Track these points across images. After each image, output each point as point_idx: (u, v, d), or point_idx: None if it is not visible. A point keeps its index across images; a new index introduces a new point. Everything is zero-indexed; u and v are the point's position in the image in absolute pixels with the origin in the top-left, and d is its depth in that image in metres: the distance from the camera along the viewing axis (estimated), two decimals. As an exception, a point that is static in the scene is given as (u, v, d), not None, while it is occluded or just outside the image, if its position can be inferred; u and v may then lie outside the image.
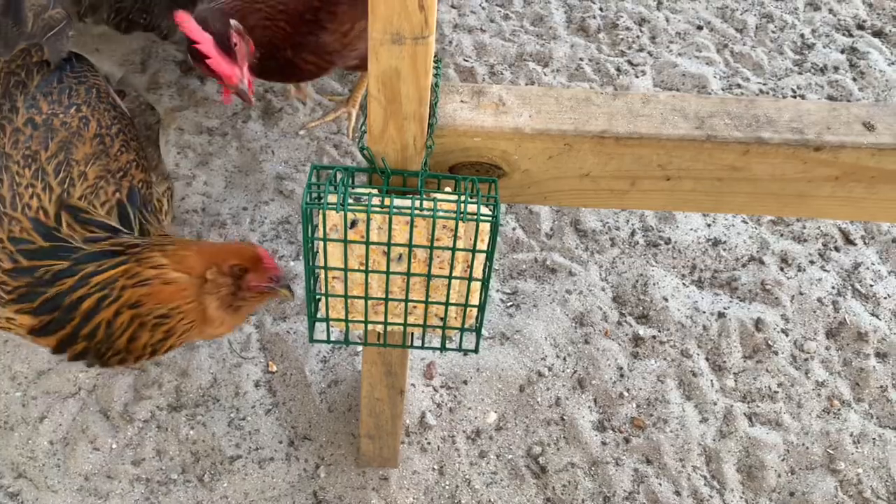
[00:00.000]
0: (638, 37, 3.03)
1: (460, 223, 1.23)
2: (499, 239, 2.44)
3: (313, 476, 1.98)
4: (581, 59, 2.95)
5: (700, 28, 3.10)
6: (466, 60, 2.94)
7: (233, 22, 1.68)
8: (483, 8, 3.14)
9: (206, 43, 1.66)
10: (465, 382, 2.14)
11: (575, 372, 2.18)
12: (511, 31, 3.05)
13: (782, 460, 2.06)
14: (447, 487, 1.98)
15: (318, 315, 1.39)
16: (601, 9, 3.11)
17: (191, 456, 2.00)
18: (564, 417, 2.10)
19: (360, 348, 2.19)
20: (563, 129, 1.31)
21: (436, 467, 2.01)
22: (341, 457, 2.01)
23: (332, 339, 1.43)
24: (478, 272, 1.31)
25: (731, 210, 1.52)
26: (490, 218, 1.23)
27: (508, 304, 2.31)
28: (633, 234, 2.47)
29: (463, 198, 1.24)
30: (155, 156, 2.01)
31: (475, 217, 1.22)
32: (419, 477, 1.98)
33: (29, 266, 1.56)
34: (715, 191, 1.44)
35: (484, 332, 2.21)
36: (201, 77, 2.76)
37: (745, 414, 2.14)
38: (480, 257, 1.28)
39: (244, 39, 1.73)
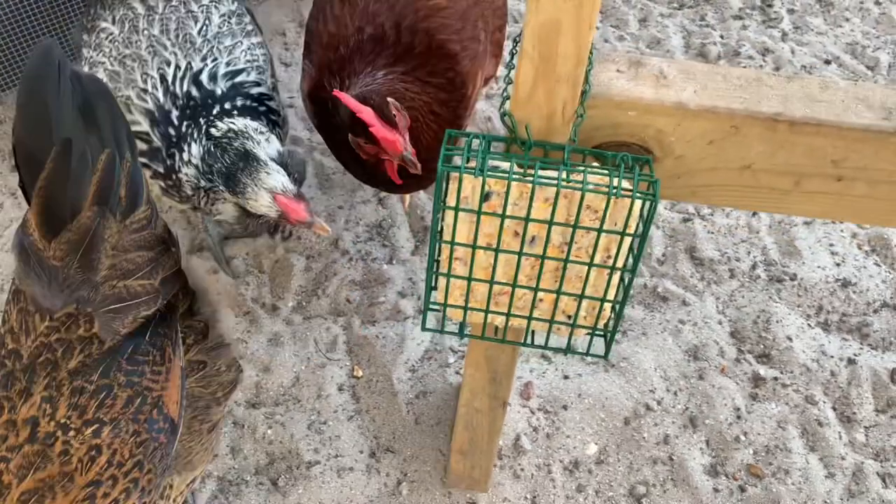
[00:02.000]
0: (761, 66, 2.85)
1: (611, 201, 1.08)
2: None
3: (394, 492, 1.82)
4: (699, 85, 2.79)
5: (828, 62, 2.91)
6: (577, 79, 2.82)
7: (390, 99, 1.69)
8: (597, 27, 3.02)
9: (367, 113, 1.65)
10: (565, 408, 1.96)
11: (687, 409, 1.98)
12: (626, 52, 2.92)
13: (922, 531, 1.81)
14: (539, 520, 1.79)
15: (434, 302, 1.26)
16: (722, 36, 2.95)
17: (266, 457, 1.87)
18: (673, 457, 1.90)
19: (451, 360, 2.04)
20: (733, 107, 1.16)
21: (528, 496, 1.82)
22: (426, 474, 1.85)
23: (446, 329, 1.29)
24: (621, 262, 1.15)
25: (903, 226, 1.33)
26: (649, 196, 1.08)
27: (614, 330, 2.13)
28: (754, 266, 2.27)
29: (616, 172, 1.10)
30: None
31: (631, 194, 1.08)
32: (509, 505, 1.81)
33: None
34: (892, 198, 1.26)
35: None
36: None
37: (877, 473, 1.89)
38: (627, 243, 1.13)
39: (402, 114, 1.72)
